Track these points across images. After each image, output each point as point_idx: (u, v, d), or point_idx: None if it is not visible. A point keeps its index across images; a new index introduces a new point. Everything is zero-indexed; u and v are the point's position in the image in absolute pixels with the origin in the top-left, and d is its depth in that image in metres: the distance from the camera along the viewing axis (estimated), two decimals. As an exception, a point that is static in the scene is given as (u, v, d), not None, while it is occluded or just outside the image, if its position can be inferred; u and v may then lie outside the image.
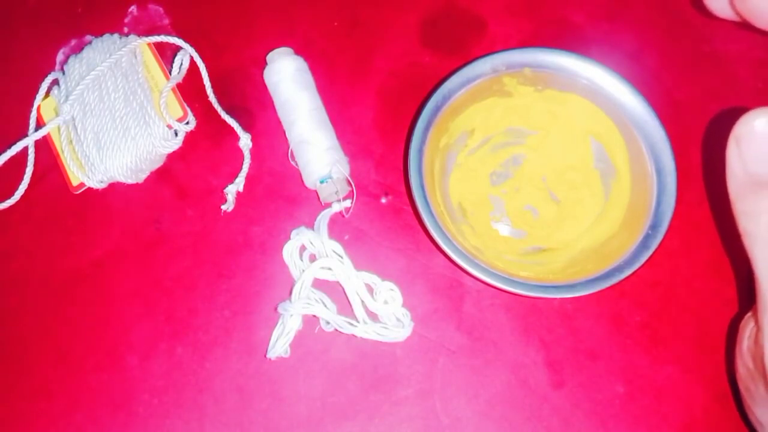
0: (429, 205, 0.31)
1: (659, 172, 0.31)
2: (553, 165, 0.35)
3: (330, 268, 0.34)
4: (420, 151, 0.31)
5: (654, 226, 0.30)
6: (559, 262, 0.33)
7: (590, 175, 0.34)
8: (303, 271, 0.33)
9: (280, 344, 0.32)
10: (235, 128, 0.37)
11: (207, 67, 0.38)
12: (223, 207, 0.35)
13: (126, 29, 0.40)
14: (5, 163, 0.37)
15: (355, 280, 0.33)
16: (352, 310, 0.33)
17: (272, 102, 0.37)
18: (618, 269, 0.30)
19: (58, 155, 0.36)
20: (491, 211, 0.35)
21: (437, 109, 0.32)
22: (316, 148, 0.35)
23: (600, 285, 0.29)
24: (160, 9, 0.40)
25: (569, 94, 0.33)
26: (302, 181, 0.35)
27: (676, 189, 0.30)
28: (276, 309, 0.33)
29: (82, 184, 0.36)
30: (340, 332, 0.33)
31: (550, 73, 0.33)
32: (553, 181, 0.35)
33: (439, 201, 0.33)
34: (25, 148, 0.37)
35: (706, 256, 0.34)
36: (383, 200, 0.36)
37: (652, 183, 0.31)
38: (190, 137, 0.37)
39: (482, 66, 0.33)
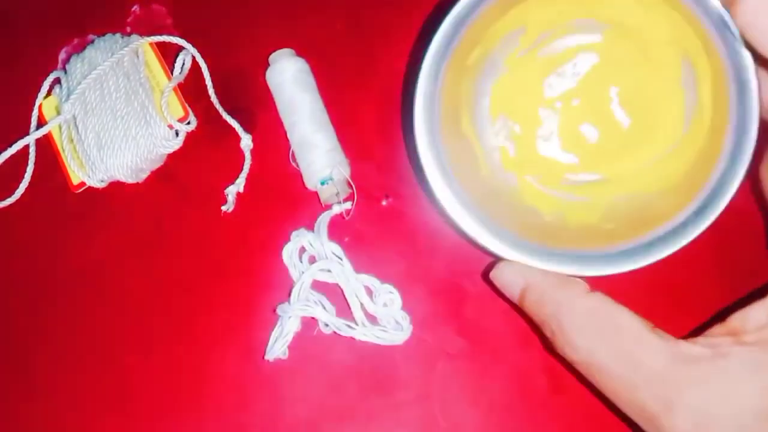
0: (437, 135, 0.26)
1: (740, 121, 0.24)
2: (629, 74, 0.28)
3: (329, 270, 0.33)
4: (432, 82, 0.26)
5: (714, 194, 0.24)
6: (600, 207, 0.28)
7: (674, 97, 0.27)
8: (302, 272, 0.33)
9: (278, 346, 0.32)
10: (237, 129, 0.36)
11: (209, 67, 0.38)
12: (224, 208, 0.35)
13: (128, 29, 0.39)
14: (6, 162, 0.37)
15: (354, 283, 0.33)
16: (351, 312, 0.33)
17: (274, 103, 0.36)
18: (652, 245, 0.24)
19: (58, 154, 0.36)
20: (539, 127, 0.29)
21: (457, 28, 0.26)
22: (318, 150, 0.34)
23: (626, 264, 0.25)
24: (163, 9, 0.40)
25: None
26: (303, 182, 0.35)
27: (753, 147, 0.24)
28: (275, 311, 0.33)
29: (82, 183, 0.36)
30: (338, 335, 0.33)
31: None
32: (625, 95, 0.28)
33: (465, 128, 0.28)
34: (26, 147, 0.37)
35: (707, 257, 0.34)
36: (384, 203, 0.35)
37: (727, 136, 0.24)
38: (191, 137, 0.37)
39: None
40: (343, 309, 0.33)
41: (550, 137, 0.29)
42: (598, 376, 0.25)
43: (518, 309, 0.28)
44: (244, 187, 0.36)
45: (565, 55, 0.29)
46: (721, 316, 0.25)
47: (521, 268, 0.26)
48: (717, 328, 0.25)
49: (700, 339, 0.24)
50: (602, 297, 0.25)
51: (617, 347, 0.24)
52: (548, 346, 0.27)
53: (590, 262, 0.25)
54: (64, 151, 0.36)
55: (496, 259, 0.28)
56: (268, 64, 0.37)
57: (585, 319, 0.25)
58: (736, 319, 0.24)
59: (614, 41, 0.28)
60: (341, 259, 0.33)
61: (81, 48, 0.38)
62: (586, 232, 0.27)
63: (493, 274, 0.28)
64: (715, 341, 0.24)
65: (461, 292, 0.34)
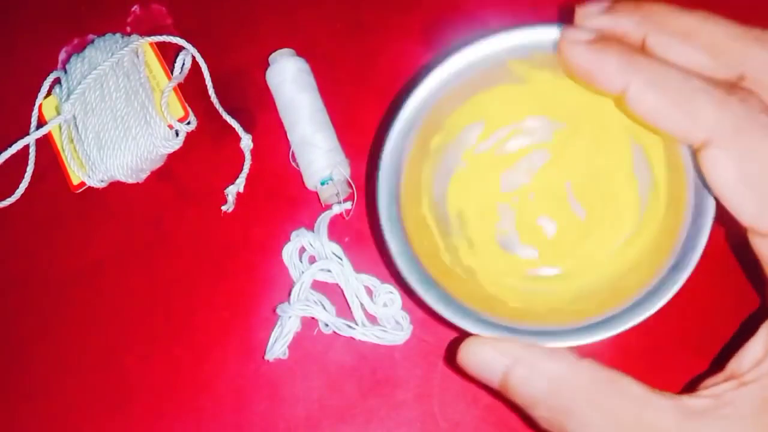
0: (397, 232, 0.25)
1: (698, 188, 0.24)
2: (581, 168, 0.29)
3: (329, 270, 0.33)
4: (396, 158, 0.26)
5: (682, 256, 0.24)
6: (567, 293, 0.28)
7: (628, 184, 0.28)
8: (302, 272, 0.33)
9: (278, 346, 0.32)
10: (237, 129, 0.37)
11: (209, 67, 0.38)
12: (224, 207, 0.35)
13: (128, 29, 0.40)
14: (6, 162, 0.37)
15: (354, 283, 0.33)
16: (351, 312, 0.33)
17: (274, 103, 0.36)
18: (629, 311, 0.24)
19: (58, 154, 0.36)
20: (497, 222, 0.30)
21: (421, 107, 0.26)
22: (318, 150, 0.34)
23: (605, 332, 0.24)
24: (163, 9, 0.40)
25: None
26: (303, 182, 0.35)
27: (714, 211, 0.23)
28: (275, 310, 0.33)
29: (82, 183, 0.36)
30: (338, 334, 0.33)
31: None
32: (579, 188, 0.29)
33: (425, 212, 0.28)
34: (26, 147, 0.37)
35: (709, 261, 0.34)
36: (384, 202, 0.35)
37: (687, 202, 0.24)
38: (191, 137, 0.37)
39: (473, 56, 0.26)
40: (343, 309, 0.33)
41: (509, 232, 0.29)
42: None
43: (492, 393, 0.25)
44: (244, 186, 0.36)
45: (519, 154, 0.30)
46: (716, 363, 0.25)
47: (502, 344, 0.23)
48: (715, 377, 0.24)
49: (702, 392, 0.23)
50: (596, 364, 0.23)
51: (626, 415, 0.22)
52: (538, 426, 0.24)
53: (566, 334, 0.24)
54: (64, 151, 0.36)
55: (461, 338, 0.25)
56: (268, 64, 0.37)
57: (588, 391, 0.23)
58: (733, 363, 0.24)
59: (565, 140, 0.29)
60: (341, 258, 0.33)
61: (81, 48, 0.38)
62: (554, 314, 0.26)
63: (466, 355, 0.24)
64: (716, 390, 0.23)
65: (461, 292, 0.34)
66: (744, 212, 0.21)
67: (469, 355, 0.24)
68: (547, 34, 0.25)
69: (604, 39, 0.22)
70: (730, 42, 0.22)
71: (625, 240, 0.28)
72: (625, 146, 0.28)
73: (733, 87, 0.21)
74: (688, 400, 0.23)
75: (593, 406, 0.22)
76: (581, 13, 0.24)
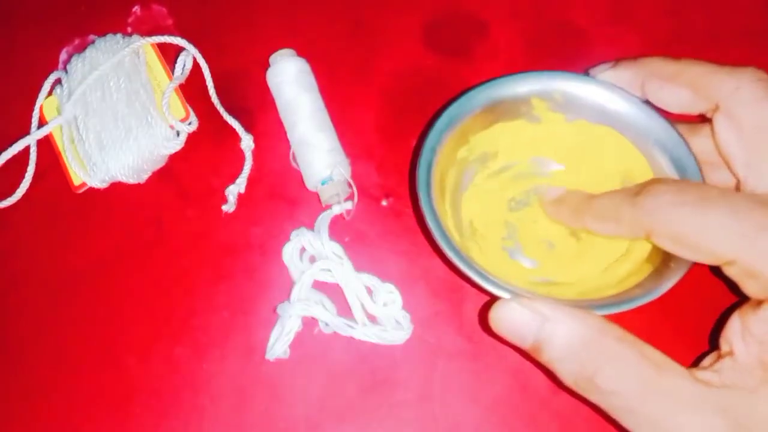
0: (433, 206, 0.28)
1: None
2: None
3: (330, 270, 0.33)
4: (433, 150, 0.29)
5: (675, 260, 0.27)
6: (569, 294, 0.30)
7: None
8: (303, 272, 0.33)
9: (278, 345, 0.32)
10: (237, 129, 0.37)
11: (209, 67, 0.38)
12: (224, 208, 0.35)
13: (129, 29, 0.40)
14: (7, 162, 0.37)
15: (354, 282, 0.33)
16: (351, 312, 0.33)
17: (274, 103, 0.36)
18: (634, 297, 0.27)
19: (59, 154, 0.37)
20: (503, 236, 0.33)
21: (458, 116, 0.30)
22: (318, 150, 0.34)
23: (614, 309, 0.26)
24: (164, 9, 0.40)
25: (603, 127, 0.31)
26: (303, 182, 0.35)
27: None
28: (275, 310, 0.33)
29: (83, 184, 0.36)
30: (339, 334, 0.33)
31: (583, 102, 0.30)
32: None
33: (447, 211, 0.31)
34: (27, 147, 0.37)
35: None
36: (384, 203, 0.36)
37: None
38: (191, 138, 0.37)
39: (511, 87, 0.31)
40: (344, 309, 0.33)
41: (514, 246, 0.32)
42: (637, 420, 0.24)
43: (523, 355, 0.26)
44: (245, 187, 0.36)
45: (524, 184, 0.33)
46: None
47: (534, 305, 0.25)
48: (709, 358, 0.26)
49: (707, 367, 0.25)
50: (621, 328, 0.25)
51: (649, 374, 0.24)
52: (562, 384, 0.26)
53: (586, 305, 0.26)
54: (65, 151, 0.36)
55: (491, 302, 0.26)
56: (269, 65, 0.37)
57: (616, 349, 0.24)
58: (722, 341, 0.25)
59: (562, 178, 0.33)
60: (341, 258, 0.33)
61: (82, 48, 0.38)
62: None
63: (498, 317, 0.26)
64: (717, 366, 0.24)
65: (461, 292, 0.34)
66: None
67: (501, 315, 0.26)
68: (570, 78, 0.30)
69: (562, 198, 0.30)
70: (706, 78, 0.27)
71: (616, 259, 0.31)
72: (617, 185, 0.31)
73: (641, 189, 0.25)
74: (696, 372, 0.24)
75: (621, 363, 0.24)
76: (594, 70, 0.30)
